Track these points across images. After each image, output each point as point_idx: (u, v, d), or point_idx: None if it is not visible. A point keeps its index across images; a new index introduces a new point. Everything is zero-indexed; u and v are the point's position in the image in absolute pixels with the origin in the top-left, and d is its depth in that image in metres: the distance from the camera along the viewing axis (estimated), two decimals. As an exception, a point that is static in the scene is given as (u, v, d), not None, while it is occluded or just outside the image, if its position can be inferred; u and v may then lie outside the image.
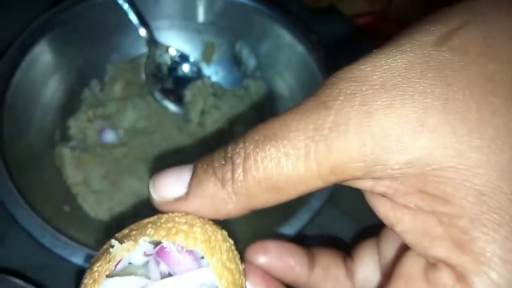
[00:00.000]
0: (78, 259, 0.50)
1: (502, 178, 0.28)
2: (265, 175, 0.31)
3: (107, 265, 0.31)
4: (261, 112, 0.73)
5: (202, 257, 0.32)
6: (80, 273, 0.50)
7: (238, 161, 0.32)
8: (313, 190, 0.32)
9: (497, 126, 0.28)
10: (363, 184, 0.32)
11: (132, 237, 0.32)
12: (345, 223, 0.62)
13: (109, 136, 0.68)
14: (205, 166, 0.33)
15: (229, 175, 0.32)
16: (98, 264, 0.32)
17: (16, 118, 0.63)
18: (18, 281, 0.47)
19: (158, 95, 0.71)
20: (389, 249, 0.40)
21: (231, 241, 0.34)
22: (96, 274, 0.31)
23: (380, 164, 0.29)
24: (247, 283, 0.40)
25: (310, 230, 0.58)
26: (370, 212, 0.44)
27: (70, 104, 0.70)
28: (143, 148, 0.68)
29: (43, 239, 0.50)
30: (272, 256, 0.42)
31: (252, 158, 0.31)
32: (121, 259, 0.31)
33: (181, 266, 0.32)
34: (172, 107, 0.72)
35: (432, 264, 0.30)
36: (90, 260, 0.50)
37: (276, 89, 0.75)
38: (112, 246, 0.32)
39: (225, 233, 0.34)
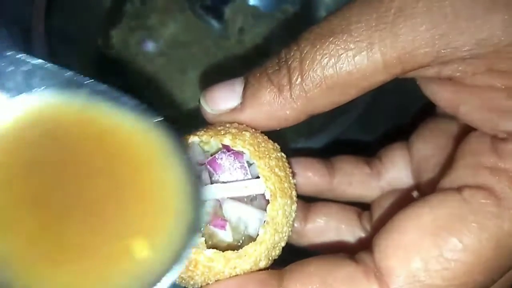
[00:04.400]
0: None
1: None
2: (325, 75, 0.30)
3: None
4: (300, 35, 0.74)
5: (258, 177, 0.32)
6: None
7: (294, 64, 0.31)
8: (375, 87, 0.31)
9: None
10: (428, 72, 0.31)
11: (183, 137, 0.33)
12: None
13: (150, 47, 0.70)
14: (258, 74, 0.33)
15: (285, 80, 0.31)
16: None
17: (63, 26, 0.64)
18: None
19: (198, 10, 0.72)
20: (422, 149, 0.39)
21: (284, 155, 0.34)
22: None
23: (450, 46, 0.28)
24: None
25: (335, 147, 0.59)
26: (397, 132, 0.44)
27: (113, 17, 0.72)
28: (182, 60, 0.70)
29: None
30: None
31: (309, 59, 0.30)
32: None
33: (231, 177, 0.33)
34: (211, 22, 0.73)
35: (500, 139, 0.30)
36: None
37: (315, 13, 0.75)
38: None
39: (278, 146, 0.34)
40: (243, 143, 0.32)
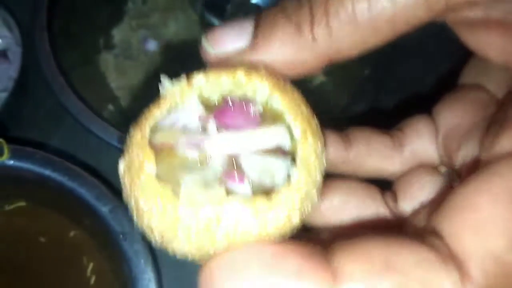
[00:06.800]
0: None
1: None
2: (355, 9, 0.26)
3: (156, 108, 0.26)
4: None
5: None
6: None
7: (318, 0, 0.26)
8: (412, 27, 0.27)
9: None
10: (473, 14, 0.27)
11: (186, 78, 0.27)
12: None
13: (152, 46, 0.70)
14: (273, 13, 0.28)
15: (307, 16, 0.27)
16: (146, 111, 0.27)
17: (65, 25, 0.64)
18: (69, 163, 0.50)
19: (200, 8, 0.72)
20: (450, 117, 0.36)
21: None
22: (143, 118, 0.26)
23: None
24: None
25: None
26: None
27: (114, 16, 0.72)
28: (184, 59, 0.69)
29: (92, 127, 0.53)
30: None
31: None
32: (173, 104, 0.27)
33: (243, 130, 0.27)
34: (213, 20, 0.72)
35: None
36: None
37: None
38: (162, 85, 0.27)
39: (299, 93, 0.28)
40: (260, 77, 0.26)
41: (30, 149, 0.49)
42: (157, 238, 0.26)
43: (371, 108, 0.59)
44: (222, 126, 0.27)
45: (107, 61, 0.68)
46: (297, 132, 0.25)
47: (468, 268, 0.24)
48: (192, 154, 0.26)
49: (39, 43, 0.59)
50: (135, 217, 0.26)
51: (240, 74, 0.26)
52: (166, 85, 0.27)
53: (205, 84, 0.27)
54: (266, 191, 0.25)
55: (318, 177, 0.26)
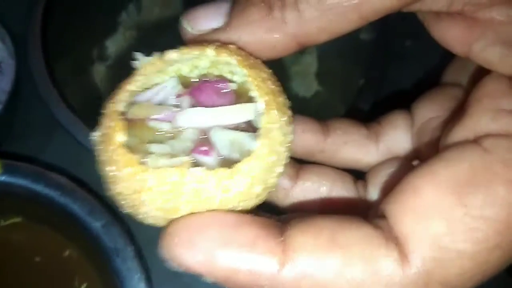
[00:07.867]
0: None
1: None
2: None
3: (129, 81, 0.28)
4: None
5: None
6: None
7: None
8: (379, 15, 0.28)
9: None
10: (439, 6, 0.28)
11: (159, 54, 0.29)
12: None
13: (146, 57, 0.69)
14: None
15: None
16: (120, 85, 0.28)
17: (59, 37, 0.64)
18: (61, 178, 0.49)
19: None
20: (426, 111, 0.37)
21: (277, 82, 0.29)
22: (117, 91, 0.28)
23: None
24: None
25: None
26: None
27: (108, 27, 0.72)
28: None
29: (84, 140, 0.53)
30: None
31: None
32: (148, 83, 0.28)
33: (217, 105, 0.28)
34: (208, 31, 0.73)
35: None
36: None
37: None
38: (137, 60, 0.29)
39: (270, 70, 0.29)
40: (230, 52, 0.28)
41: (21, 163, 0.49)
42: (126, 203, 0.26)
43: (368, 117, 0.59)
44: (197, 103, 0.28)
45: (101, 72, 0.68)
46: (260, 105, 0.27)
47: (407, 250, 0.24)
48: (163, 127, 0.28)
49: (32, 55, 0.59)
50: (108, 184, 0.27)
51: (210, 49, 0.28)
52: (140, 59, 0.29)
53: (178, 59, 0.29)
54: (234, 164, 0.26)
55: (283, 152, 0.27)
